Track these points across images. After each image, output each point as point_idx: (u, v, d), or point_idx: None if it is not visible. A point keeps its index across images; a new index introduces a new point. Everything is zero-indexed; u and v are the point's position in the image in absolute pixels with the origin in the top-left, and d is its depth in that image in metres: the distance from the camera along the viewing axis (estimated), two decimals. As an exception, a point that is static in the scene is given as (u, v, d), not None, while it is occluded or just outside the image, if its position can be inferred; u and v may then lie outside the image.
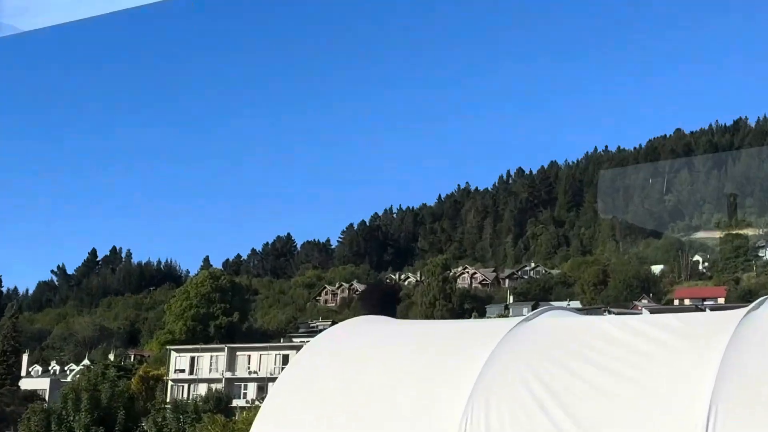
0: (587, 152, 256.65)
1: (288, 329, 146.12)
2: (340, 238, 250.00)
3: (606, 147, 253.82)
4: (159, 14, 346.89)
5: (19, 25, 6.18)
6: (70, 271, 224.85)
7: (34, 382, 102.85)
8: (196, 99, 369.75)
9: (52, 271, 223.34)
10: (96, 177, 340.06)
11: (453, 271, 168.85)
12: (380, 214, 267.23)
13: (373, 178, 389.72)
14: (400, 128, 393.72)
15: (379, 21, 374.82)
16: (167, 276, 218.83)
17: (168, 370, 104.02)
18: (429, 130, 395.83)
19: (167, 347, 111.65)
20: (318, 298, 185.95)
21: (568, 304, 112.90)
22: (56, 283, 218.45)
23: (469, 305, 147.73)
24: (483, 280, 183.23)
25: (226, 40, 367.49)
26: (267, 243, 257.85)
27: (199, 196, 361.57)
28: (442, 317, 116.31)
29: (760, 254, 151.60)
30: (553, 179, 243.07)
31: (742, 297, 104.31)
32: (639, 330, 11.54)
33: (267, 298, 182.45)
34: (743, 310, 11.55)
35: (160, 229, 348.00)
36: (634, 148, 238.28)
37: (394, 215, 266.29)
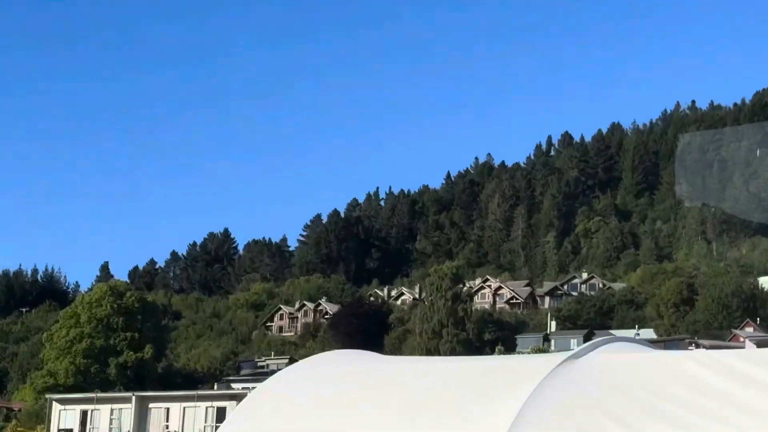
0: (665, 110, 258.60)
1: (225, 370, 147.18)
2: (301, 236, 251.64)
3: (693, 103, 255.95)
4: None
5: None
6: None
7: None
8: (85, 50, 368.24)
9: None
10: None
11: (468, 285, 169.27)
12: (361, 201, 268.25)
13: (350, 149, 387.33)
14: (389, 73, 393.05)
15: None
16: (47, 292, 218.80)
17: (47, 430, 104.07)
18: (431, 76, 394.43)
19: (47, 396, 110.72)
20: (269, 324, 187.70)
21: (638, 335, 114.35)
22: None
23: (491, 334, 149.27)
24: (512, 298, 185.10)
25: None
26: (194, 243, 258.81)
27: (91, 176, 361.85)
28: (452, 352, 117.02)
29: None
30: (615, 150, 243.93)
31: None
32: (741, 372, 11.47)
33: (194, 324, 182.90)
34: None
35: (37, 225, 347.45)
36: (735, 105, 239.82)
37: (382, 203, 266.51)
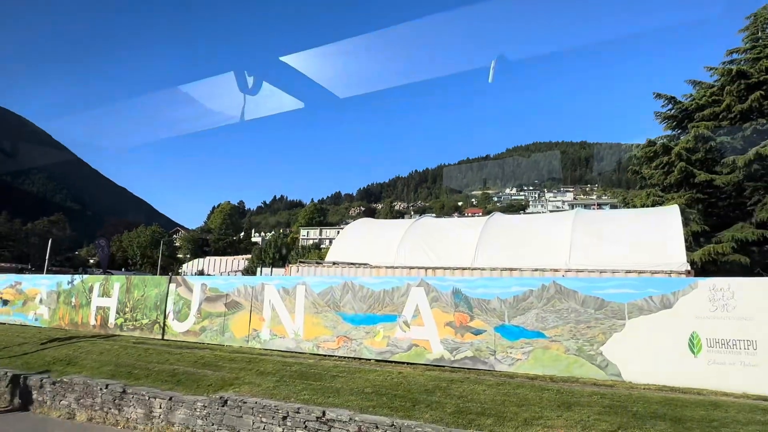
0: (442, 163, 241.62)
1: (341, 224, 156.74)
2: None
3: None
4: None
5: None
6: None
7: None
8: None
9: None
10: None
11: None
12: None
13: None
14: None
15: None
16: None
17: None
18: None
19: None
20: (352, 213, 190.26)
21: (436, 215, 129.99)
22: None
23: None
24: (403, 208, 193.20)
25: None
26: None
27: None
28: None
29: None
30: (429, 181, 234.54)
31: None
32: (456, 222, 22.25)
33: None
34: (487, 217, 23.60)
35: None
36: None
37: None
